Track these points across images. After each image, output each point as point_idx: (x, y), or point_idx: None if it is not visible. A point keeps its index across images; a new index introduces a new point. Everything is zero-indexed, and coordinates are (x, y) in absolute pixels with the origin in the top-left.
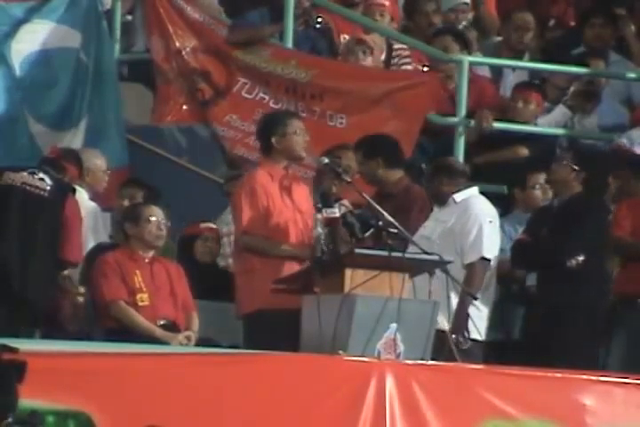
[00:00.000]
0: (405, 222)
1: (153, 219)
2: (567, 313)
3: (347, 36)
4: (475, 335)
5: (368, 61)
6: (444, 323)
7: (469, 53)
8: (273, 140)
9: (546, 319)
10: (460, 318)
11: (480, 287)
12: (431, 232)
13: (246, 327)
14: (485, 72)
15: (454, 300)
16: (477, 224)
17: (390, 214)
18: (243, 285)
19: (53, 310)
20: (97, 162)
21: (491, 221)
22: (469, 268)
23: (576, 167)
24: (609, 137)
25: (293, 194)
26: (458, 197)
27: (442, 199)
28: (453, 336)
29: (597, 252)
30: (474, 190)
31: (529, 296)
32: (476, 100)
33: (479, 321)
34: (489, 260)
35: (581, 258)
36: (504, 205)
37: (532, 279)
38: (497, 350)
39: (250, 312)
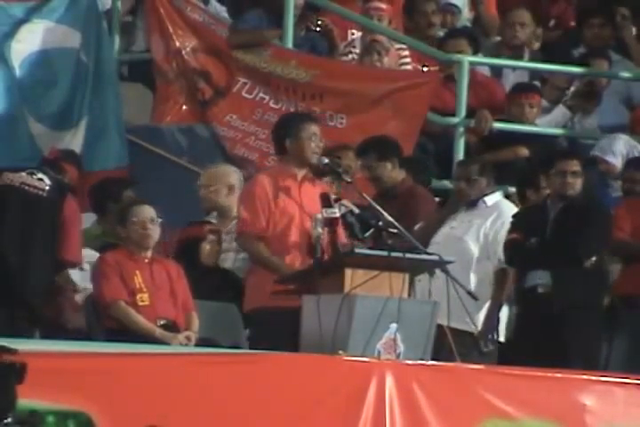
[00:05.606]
0: (411, 223)
1: (135, 219)
2: (581, 313)
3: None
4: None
5: (384, 62)
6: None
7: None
8: (287, 142)
9: (560, 319)
10: (491, 321)
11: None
12: (463, 233)
13: (248, 325)
14: (485, 72)
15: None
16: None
17: (394, 215)
18: (247, 283)
19: (53, 310)
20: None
21: None
22: (502, 273)
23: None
24: None
25: (303, 196)
26: (489, 200)
27: (474, 201)
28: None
29: (602, 252)
30: (500, 193)
31: (536, 296)
32: (485, 100)
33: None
34: None
35: (594, 258)
36: None
37: (531, 280)
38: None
39: (250, 310)
